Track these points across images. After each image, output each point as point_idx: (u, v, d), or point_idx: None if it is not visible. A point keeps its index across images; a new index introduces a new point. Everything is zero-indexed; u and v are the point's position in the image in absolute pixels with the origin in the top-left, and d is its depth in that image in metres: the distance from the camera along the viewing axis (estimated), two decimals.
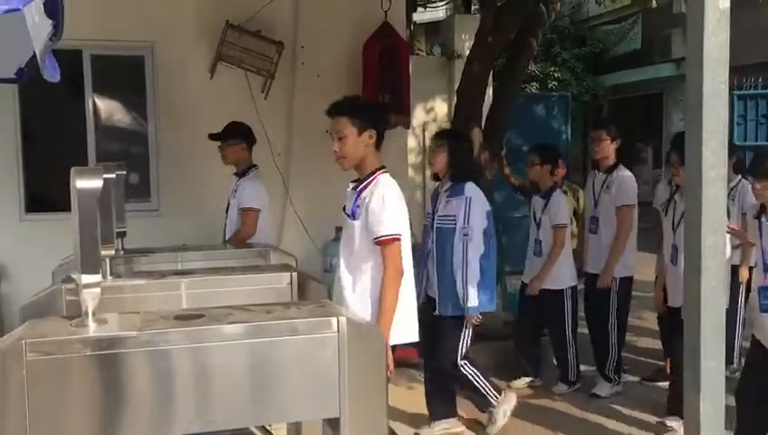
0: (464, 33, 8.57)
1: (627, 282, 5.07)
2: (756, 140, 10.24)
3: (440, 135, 4.57)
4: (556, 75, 15.17)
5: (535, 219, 5.24)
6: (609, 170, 5.06)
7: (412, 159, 8.41)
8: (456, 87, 6.79)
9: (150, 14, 5.53)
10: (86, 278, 1.55)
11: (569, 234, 5.22)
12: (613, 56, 16.17)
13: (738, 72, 9.22)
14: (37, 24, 1.86)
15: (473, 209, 4.09)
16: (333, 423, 1.67)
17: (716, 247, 1.65)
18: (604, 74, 16.10)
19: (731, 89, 7.85)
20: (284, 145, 5.99)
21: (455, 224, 4.12)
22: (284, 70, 5.80)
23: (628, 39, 15.90)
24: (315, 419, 1.77)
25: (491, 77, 6.85)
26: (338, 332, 1.63)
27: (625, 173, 5.06)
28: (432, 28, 11.20)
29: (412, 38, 9.93)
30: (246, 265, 3.72)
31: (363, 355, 1.65)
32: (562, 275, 5.09)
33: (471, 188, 4.17)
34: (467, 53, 6.69)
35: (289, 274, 2.71)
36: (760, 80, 10.46)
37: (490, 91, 7.03)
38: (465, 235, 4.08)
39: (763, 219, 3.43)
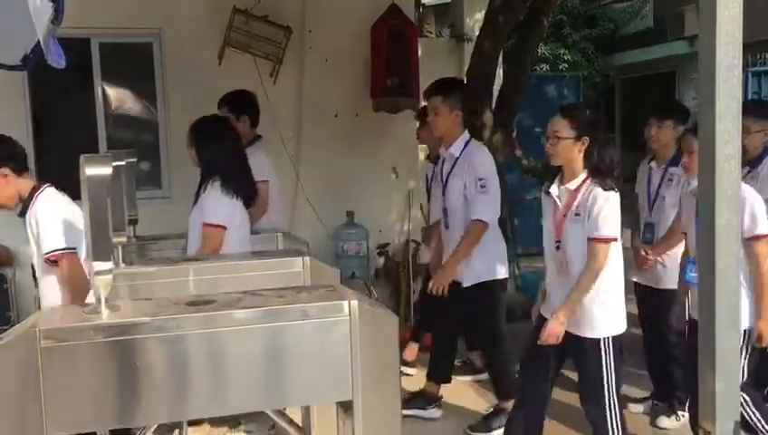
0: (473, 14, 8.48)
1: None
2: None
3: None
4: (566, 57, 15.02)
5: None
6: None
7: None
8: (465, 69, 6.73)
9: (157, 0, 5.51)
10: (98, 265, 1.56)
11: None
12: (625, 35, 15.97)
13: (753, 48, 9.10)
14: (39, 7, 1.86)
15: None
16: (346, 406, 1.68)
17: (731, 226, 1.62)
18: (615, 54, 15.92)
19: (746, 66, 7.72)
20: (294, 129, 5.99)
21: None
22: (293, 54, 5.77)
23: (640, 17, 15.69)
24: (328, 402, 1.78)
25: (501, 58, 6.78)
26: (349, 315, 1.63)
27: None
28: (441, 10, 11.06)
29: (421, 20, 9.83)
30: (258, 250, 3.73)
31: (375, 338, 1.65)
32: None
33: None
34: (477, 34, 6.61)
35: (301, 259, 2.71)
36: None
37: (500, 72, 6.96)
38: None
39: None
